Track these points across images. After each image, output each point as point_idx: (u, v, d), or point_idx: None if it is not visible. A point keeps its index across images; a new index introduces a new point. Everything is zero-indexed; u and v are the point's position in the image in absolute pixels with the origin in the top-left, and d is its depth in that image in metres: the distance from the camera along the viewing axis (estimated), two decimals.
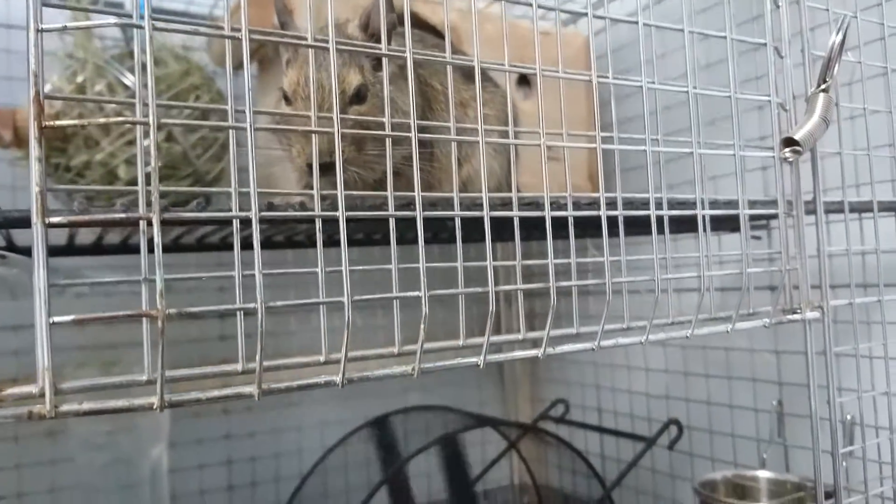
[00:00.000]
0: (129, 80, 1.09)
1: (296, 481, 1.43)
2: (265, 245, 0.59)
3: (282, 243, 0.88)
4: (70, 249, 0.77)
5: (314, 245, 0.46)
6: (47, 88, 1.09)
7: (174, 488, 1.35)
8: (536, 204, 0.64)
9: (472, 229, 0.53)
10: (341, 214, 0.45)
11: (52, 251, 0.40)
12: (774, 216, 0.72)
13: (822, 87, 0.71)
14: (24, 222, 0.47)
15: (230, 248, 0.46)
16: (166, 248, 0.40)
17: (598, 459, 1.51)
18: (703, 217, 0.62)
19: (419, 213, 0.47)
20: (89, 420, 1.21)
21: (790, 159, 0.68)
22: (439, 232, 0.81)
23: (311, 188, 0.48)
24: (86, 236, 0.74)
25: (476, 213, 0.50)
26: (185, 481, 1.40)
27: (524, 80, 1.27)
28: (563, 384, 1.66)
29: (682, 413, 1.35)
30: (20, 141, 1.08)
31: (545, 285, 0.52)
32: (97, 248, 0.78)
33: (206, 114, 1.07)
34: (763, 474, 1.14)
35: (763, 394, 1.21)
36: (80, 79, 1.09)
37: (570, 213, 0.54)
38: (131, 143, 1.07)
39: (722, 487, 1.12)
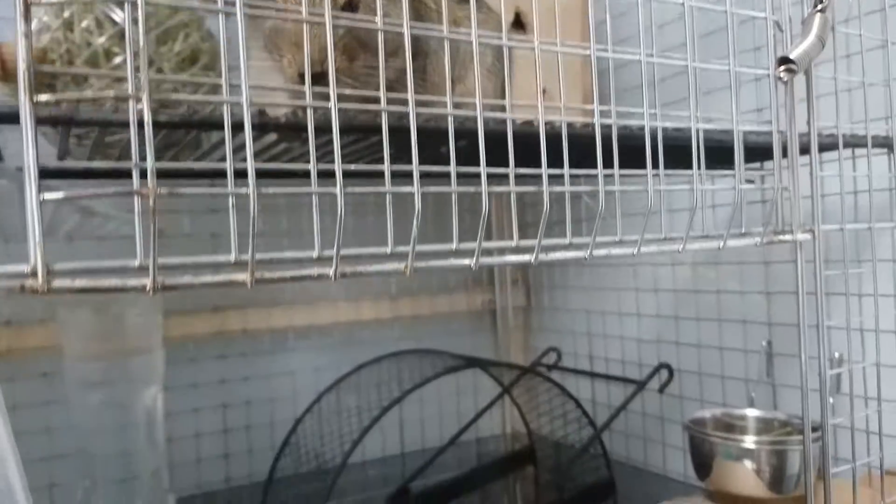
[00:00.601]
0: (118, 15, 1.07)
1: (290, 425, 1.45)
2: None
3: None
4: (62, 173, 0.77)
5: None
6: (34, 25, 1.07)
7: (169, 431, 1.36)
8: (530, 123, 0.64)
9: (466, 152, 0.52)
10: (333, 110, 0.45)
11: (43, 173, 0.40)
12: (768, 150, 0.72)
13: (819, 7, 0.70)
14: (13, 117, 0.47)
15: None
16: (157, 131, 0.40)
17: (590, 405, 1.53)
18: (697, 132, 0.62)
19: (412, 107, 0.47)
20: (83, 361, 1.22)
21: (785, 79, 0.68)
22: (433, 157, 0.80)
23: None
24: (78, 158, 0.74)
25: (468, 112, 0.50)
26: (180, 425, 1.41)
27: (518, 25, 1.26)
28: (554, 332, 1.67)
29: (672, 357, 1.37)
30: (7, 75, 1.07)
31: (538, 188, 0.52)
32: (88, 173, 0.78)
33: (196, 52, 1.06)
34: (751, 412, 1.15)
35: (753, 336, 1.22)
36: (66, 14, 1.07)
37: (562, 118, 0.54)
38: (121, 80, 1.06)
39: (710, 425, 1.14)
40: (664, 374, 1.36)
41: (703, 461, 1.08)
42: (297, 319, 1.55)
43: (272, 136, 0.63)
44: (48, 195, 0.38)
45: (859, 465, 0.89)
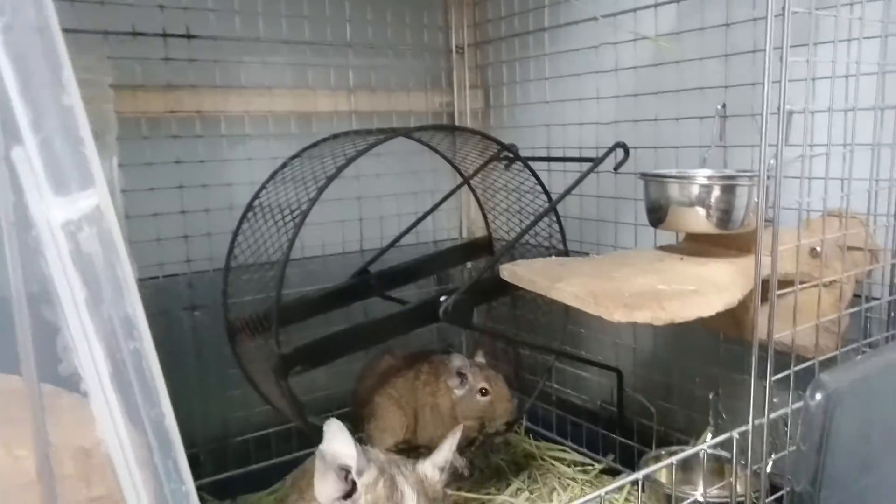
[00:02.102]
0: None
1: None
2: None
3: None
4: None
5: None
6: None
7: (126, 209, 1.34)
8: None
9: None
10: None
11: None
12: None
13: None
14: None
15: None
16: None
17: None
18: None
19: None
20: None
21: None
22: None
23: None
24: None
25: None
26: (137, 203, 1.39)
27: None
28: (513, 129, 1.68)
29: (630, 137, 1.39)
30: None
31: None
32: None
33: None
34: (702, 171, 1.20)
35: (710, 102, 1.25)
36: None
37: None
38: None
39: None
40: (620, 153, 1.39)
41: (656, 206, 1.13)
42: (253, 105, 1.51)
43: None
44: None
45: (803, 209, 0.94)
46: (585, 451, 1.58)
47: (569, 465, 1.56)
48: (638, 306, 0.89)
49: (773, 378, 0.87)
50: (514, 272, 1.04)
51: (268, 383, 1.25)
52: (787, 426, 0.95)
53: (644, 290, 0.95)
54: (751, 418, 0.85)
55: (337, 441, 0.61)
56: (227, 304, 1.28)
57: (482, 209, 1.62)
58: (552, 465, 1.57)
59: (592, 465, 1.54)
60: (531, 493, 1.46)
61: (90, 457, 0.47)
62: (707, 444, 0.98)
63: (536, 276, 1.01)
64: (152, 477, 0.40)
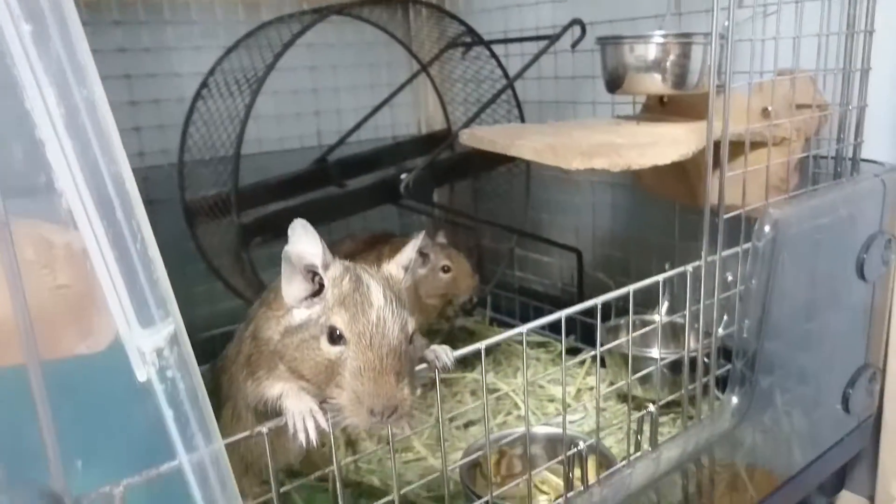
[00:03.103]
0: None
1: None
2: None
3: None
4: None
5: None
6: None
7: None
8: None
9: None
10: None
11: None
12: None
13: None
14: None
15: None
16: None
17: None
18: None
19: None
20: None
21: None
22: None
23: None
24: None
25: None
26: None
27: None
28: (469, 16, 1.65)
29: (587, 13, 1.38)
30: None
31: None
32: None
33: None
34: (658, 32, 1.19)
35: None
36: None
37: None
38: None
39: None
40: (577, 30, 1.38)
41: (614, 70, 1.13)
42: None
43: None
44: None
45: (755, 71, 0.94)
46: (548, 333, 1.63)
47: (532, 348, 1.60)
48: (596, 154, 0.90)
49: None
50: (474, 134, 1.04)
51: (230, 268, 1.25)
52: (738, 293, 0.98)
53: (602, 143, 0.96)
54: (703, 255, 0.88)
55: (302, 242, 0.61)
56: (184, 185, 1.26)
57: (441, 99, 1.60)
58: (515, 347, 1.61)
59: (554, 346, 1.59)
60: (496, 374, 1.51)
61: (52, 247, 0.46)
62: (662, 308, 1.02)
63: (496, 136, 1.01)
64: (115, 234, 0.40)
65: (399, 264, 0.69)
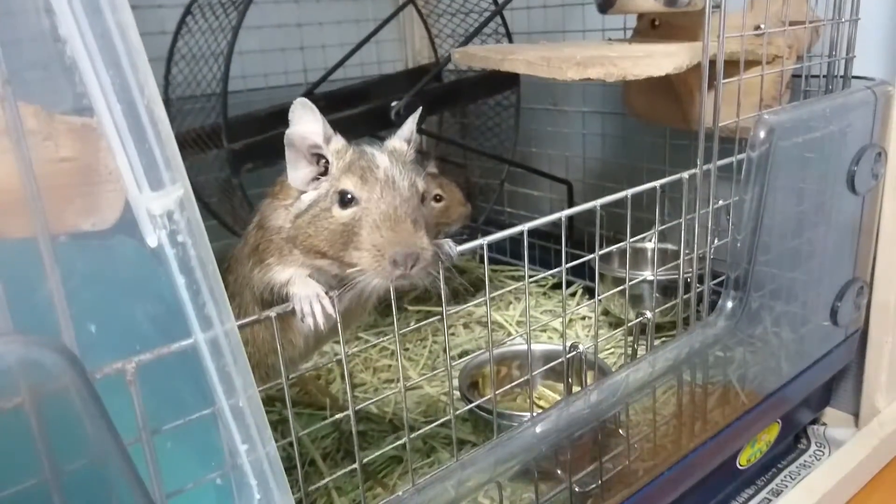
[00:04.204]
0: None
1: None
2: None
3: None
4: None
5: None
6: None
7: None
8: None
9: None
10: None
11: None
12: None
13: None
14: None
15: None
16: None
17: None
18: None
19: None
20: None
21: None
22: None
23: None
24: None
25: None
26: None
27: None
28: None
29: None
30: None
31: None
32: None
33: None
34: None
35: None
36: None
37: None
38: None
39: None
40: None
41: None
42: None
43: None
44: None
45: None
46: (539, 268, 1.63)
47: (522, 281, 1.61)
48: (591, 64, 0.90)
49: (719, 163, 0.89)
50: (466, 52, 1.02)
51: (219, 204, 1.24)
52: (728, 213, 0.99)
53: (596, 55, 0.95)
54: (700, 163, 0.88)
55: (303, 122, 0.61)
56: (170, 118, 1.24)
57: (428, 32, 1.58)
58: (507, 283, 1.62)
59: (546, 281, 1.60)
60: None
61: (53, 120, 0.45)
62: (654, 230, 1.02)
63: (489, 52, 1.00)
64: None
65: (401, 137, 0.68)
